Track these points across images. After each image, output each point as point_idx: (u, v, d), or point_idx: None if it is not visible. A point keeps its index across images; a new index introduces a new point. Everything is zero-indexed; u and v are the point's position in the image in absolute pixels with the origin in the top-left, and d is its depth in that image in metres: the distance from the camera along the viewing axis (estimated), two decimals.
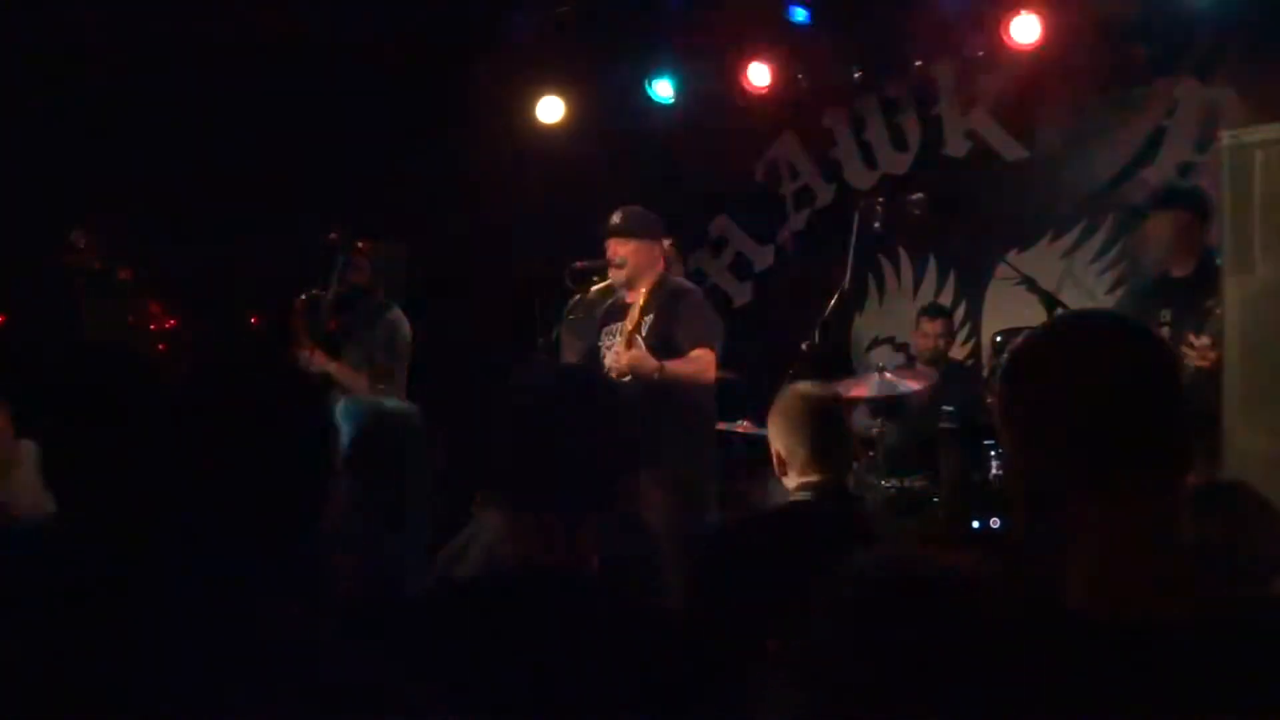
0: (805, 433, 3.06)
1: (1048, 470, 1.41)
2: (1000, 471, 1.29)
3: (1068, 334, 1.52)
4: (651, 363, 4.56)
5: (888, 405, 5.92)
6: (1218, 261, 4.91)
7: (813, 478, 3.05)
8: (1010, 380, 1.48)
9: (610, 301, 5.05)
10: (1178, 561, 1.37)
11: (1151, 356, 1.44)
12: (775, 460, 3.13)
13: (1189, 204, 4.90)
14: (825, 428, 3.08)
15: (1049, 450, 1.41)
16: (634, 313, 4.67)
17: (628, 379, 4.55)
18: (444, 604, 1.82)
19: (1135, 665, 1.28)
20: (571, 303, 5.26)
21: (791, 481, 3.10)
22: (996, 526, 1.32)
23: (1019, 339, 1.51)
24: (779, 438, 3.10)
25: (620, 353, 4.61)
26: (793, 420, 3.09)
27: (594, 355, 5.02)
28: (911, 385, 5.88)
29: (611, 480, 1.83)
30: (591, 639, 1.71)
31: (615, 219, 4.93)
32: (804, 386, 3.22)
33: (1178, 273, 4.89)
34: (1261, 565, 2.01)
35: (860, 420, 6.22)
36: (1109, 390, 1.38)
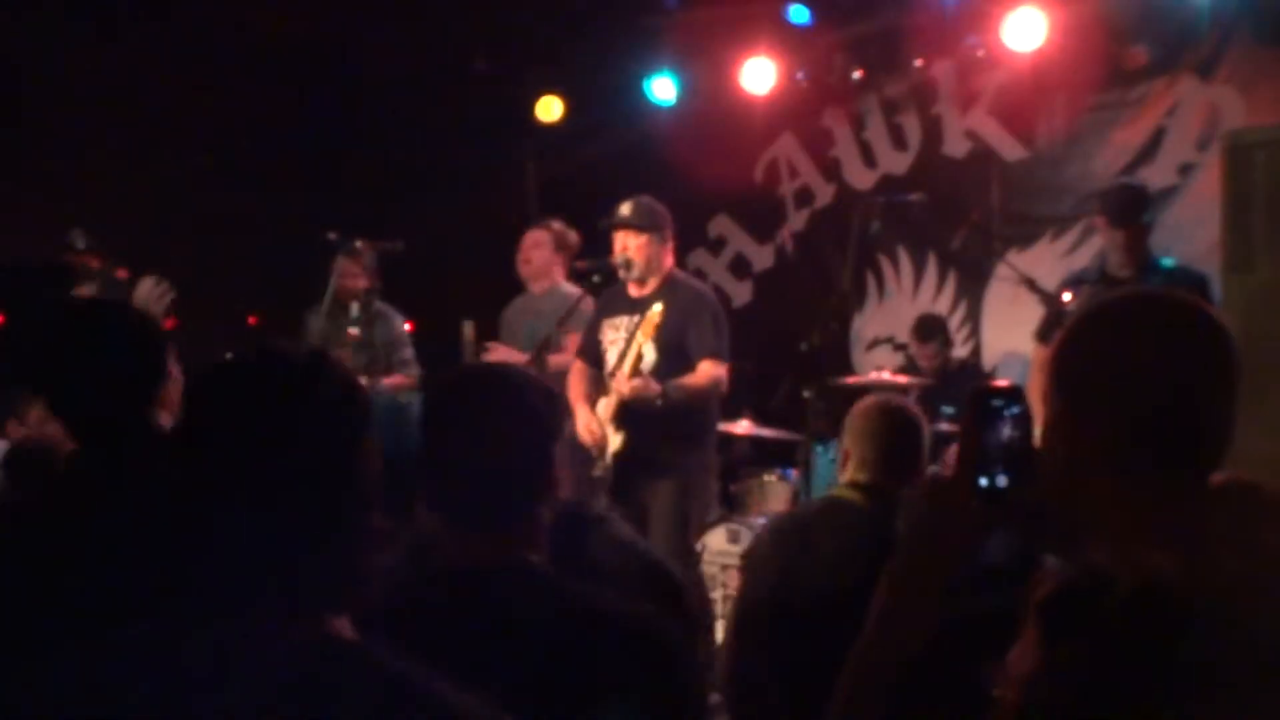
0: (868, 438, 3.24)
1: (1088, 441, 1.39)
2: (1013, 434, 1.29)
3: (1136, 310, 1.48)
4: (654, 389, 4.53)
5: None
6: (1163, 263, 4.96)
7: (860, 478, 3.23)
8: (1069, 343, 1.45)
9: (612, 290, 4.99)
10: (1198, 543, 1.35)
11: (1216, 346, 1.41)
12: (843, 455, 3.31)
13: (1140, 218, 4.97)
14: (890, 436, 3.24)
15: (1092, 422, 1.39)
16: (651, 318, 4.61)
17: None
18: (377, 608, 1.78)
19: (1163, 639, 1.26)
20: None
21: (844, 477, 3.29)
22: (1002, 485, 1.29)
23: (1086, 303, 1.48)
24: (848, 437, 3.31)
25: (623, 381, 4.57)
26: (861, 427, 3.28)
27: (595, 347, 4.98)
28: None
29: (530, 476, 1.78)
30: (521, 637, 1.67)
31: (625, 211, 4.86)
32: (883, 400, 3.43)
33: (1122, 272, 4.95)
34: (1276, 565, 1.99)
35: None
36: (1163, 374, 1.37)
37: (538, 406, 1.81)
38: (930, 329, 6.56)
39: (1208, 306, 1.48)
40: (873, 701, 1.42)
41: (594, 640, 1.68)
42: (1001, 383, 1.48)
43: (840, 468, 3.34)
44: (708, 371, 4.70)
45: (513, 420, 1.77)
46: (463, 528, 1.75)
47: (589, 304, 5.08)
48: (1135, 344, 1.39)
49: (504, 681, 1.60)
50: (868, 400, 3.40)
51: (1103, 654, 1.25)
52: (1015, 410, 1.45)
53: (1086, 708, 1.25)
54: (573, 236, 5.69)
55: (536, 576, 1.75)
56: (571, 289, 5.47)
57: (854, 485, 3.22)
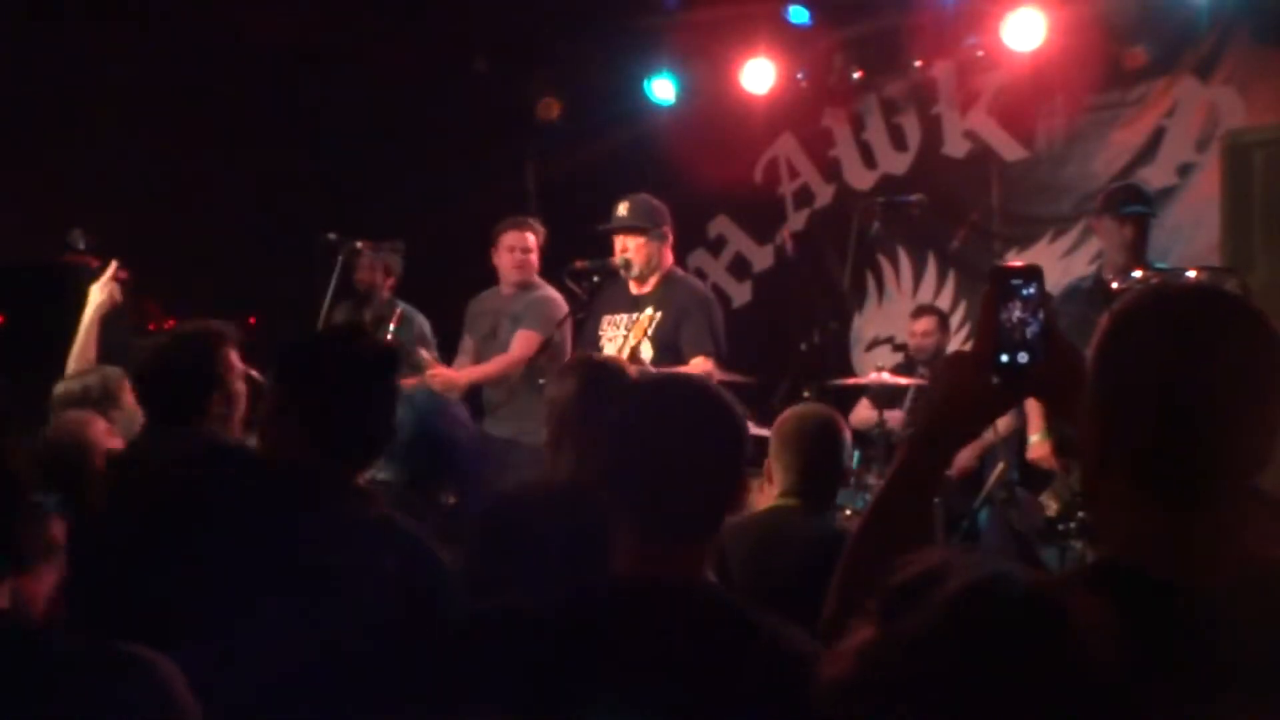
0: (796, 455, 3.16)
1: (1117, 439, 1.34)
2: (1031, 313, 1.25)
3: (1189, 308, 1.37)
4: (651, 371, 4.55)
5: (889, 403, 5.92)
6: (1156, 267, 4.93)
7: (793, 501, 3.14)
8: (1113, 334, 1.38)
9: (614, 286, 4.99)
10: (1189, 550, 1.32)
11: (1264, 351, 1.32)
12: (765, 471, 3.21)
13: (1142, 212, 4.92)
14: (817, 452, 3.18)
15: (1125, 421, 1.33)
16: (641, 323, 4.62)
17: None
18: (564, 623, 1.68)
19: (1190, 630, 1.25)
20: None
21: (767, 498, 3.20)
22: (1023, 362, 1.26)
23: (1138, 290, 1.43)
24: (773, 453, 3.20)
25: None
26: (787, 441, 3.18)
27: (593, 344, 5.00)
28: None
29: (727, 494, 1.74)
30: (721, 653, 1.63)
31: (622, 212, 4.86)
32: (806, 409, 3.36)
33: (1119, 284, 4.89)
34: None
35: (861, 416, 6.23)
36: (1202, 384, 1.29)
37: (740, 423, 1.77)
38: (927, 308, 6.58)
39: (1266, 317, 1.36)
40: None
41: (773, 667, 1.64)
42: (1020, 263, 1.49)
43: (766, 481, 3.25)
44: (699, 365, 4.73)
45: (722, 436, 1.73)
46: (653, 541, 1.69)
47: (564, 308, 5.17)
48: (1171, 350, 1.32)
49: (678, 699, 1.58)
50: (790, 412, 3.35)
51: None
52: (1033, 290, 1.46)
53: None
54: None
55: (719, 596, 1.72)
56: (546, 289, 5.50)
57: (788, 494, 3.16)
